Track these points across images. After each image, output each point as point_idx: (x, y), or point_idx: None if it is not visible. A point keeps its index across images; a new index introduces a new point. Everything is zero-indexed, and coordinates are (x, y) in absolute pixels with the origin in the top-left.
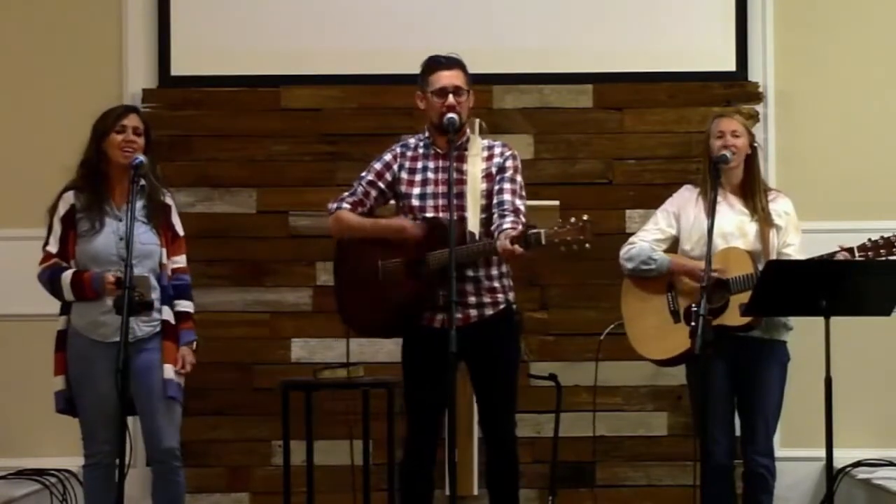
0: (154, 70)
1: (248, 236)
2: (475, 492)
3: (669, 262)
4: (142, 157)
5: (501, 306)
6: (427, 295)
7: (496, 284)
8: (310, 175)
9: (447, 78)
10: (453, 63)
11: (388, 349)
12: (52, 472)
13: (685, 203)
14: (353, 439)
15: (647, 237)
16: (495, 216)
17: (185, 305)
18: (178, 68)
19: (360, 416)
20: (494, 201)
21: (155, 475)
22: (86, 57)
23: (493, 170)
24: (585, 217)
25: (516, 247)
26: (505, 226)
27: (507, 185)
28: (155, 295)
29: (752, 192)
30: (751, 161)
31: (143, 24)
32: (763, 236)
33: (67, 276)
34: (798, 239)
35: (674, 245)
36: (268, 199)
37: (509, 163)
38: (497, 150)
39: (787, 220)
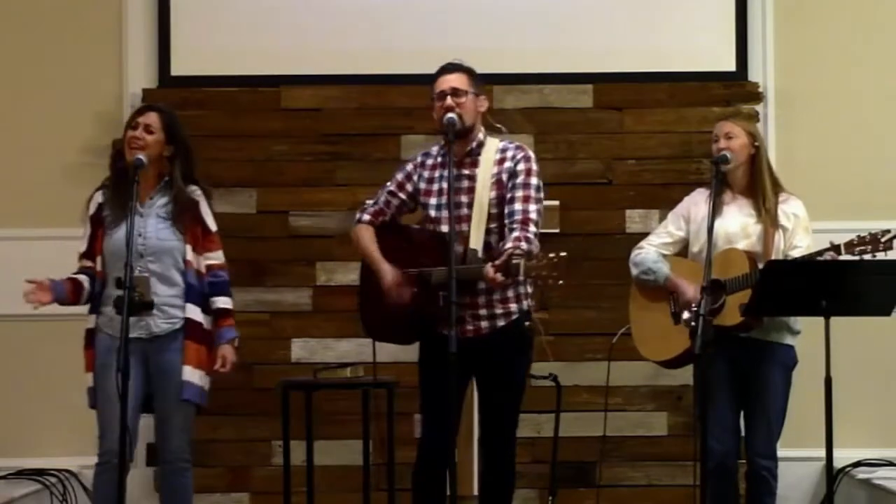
0: (154, 70)
1: (248, 236)
2: (475, 492)
3: (666, 278)
4: (142, 157)
5: (514, 317)
6: (430, 307)
7: (509, 294)
8: (310, 175)
9: (445, 81)
10: (455, 68)
11: (388, 349)
12: (52, 472)
13: (695, 205)
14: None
15: (656, 241)
16: (507, 228)
17: (224, 302)
18: (178, 68)
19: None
20: (506, 210)
21: (162, 474)
22: (86, 57)
23: (504, 176)
24: (563, 254)
25: (498, 275)
26: (508, 244)
27: (518, 193)
28: (175, 292)
29: (757, 192)
30: (754, 162)
31: (143, 24)
32: (766, 238)
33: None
34: (806, 241)
35: (684, 248)
36: (268, 199)
37: (521, 166)
38: (509, 154)
39: (796, 222)
